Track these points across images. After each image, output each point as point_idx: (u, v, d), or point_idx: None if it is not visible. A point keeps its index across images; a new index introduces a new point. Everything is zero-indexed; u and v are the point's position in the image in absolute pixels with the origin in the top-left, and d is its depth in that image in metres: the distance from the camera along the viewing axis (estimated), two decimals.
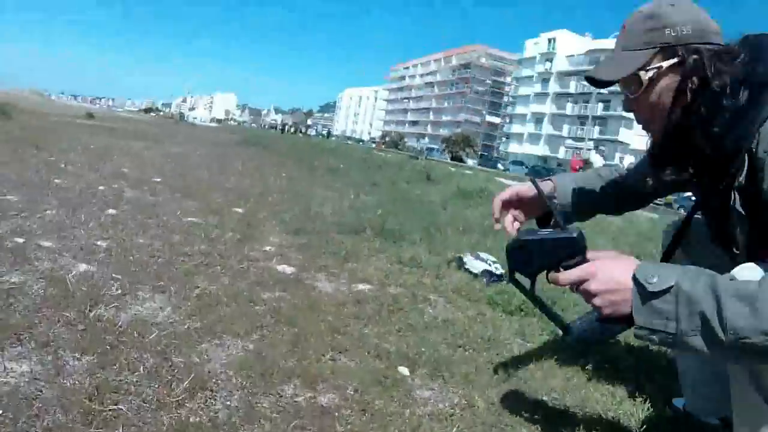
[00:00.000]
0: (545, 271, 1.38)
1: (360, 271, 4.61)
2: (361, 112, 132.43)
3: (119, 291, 3.46)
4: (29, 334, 2.68)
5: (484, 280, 5.05)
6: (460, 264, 5.44)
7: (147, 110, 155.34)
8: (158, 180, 10.80)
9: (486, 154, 78.08)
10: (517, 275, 1.46)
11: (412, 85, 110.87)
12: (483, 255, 5.60)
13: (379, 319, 3.45)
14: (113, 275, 3.82)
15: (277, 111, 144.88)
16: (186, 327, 2.96)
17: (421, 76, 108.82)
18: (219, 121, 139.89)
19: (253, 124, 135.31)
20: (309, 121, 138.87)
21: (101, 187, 9.12)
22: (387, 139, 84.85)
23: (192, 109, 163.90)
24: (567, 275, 1.34)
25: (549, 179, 2.02)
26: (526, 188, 1.87)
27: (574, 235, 1.33)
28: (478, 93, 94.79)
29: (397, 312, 3.63)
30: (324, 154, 21.34)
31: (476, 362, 2.98)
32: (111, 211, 6.91)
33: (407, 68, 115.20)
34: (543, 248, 1.34)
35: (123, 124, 44.68)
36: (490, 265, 5.34)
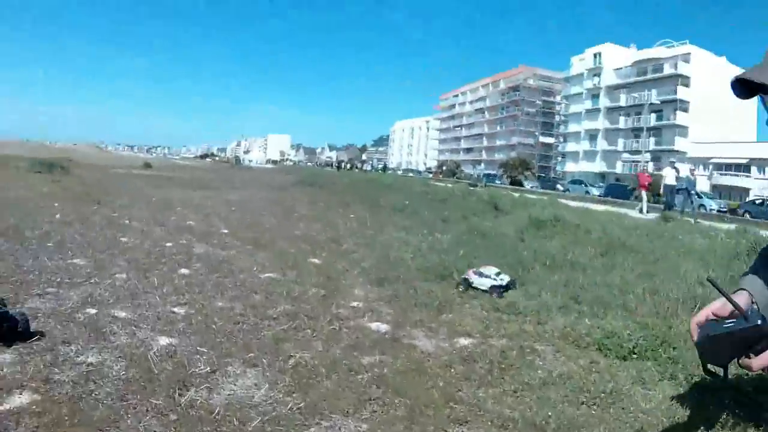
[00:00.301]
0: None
1: (457, 323, 4.41)
2: (415, 143, 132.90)
3: (207, 368, 3.25)
4: (116, 429, 2.44)
5: (494, 295, 5.30)
6: (467, 285, 5.60)
7: (203, 156, 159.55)
8: (225, 231, 10.89)
9: (543, 175, 76.73)
10: (710, 366, 1.47)
11: (463, 113, 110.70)
12: (485, 270, 5.73)
13: (492, 380, 3.23)
14: (198, 348, 3.68)
15: (331, 148, 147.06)
16: (288, 408, 2.74)
17: (471, 102, 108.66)
18: (274, 162, 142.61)
19: (308, 163, 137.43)
20: (363, 156, 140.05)
21: (169, 244, 9.23)
22: (444, 168, 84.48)
23: (247, 151, 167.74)
24: (759, 361, 1.33)
25: (742, 290, 1.79)
26: (720, 306, 1.69)
27: (759, 322, 1.35)
28: (529, 115, 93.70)
29: (508, 369, 3.40)
30: (385, 189, 21.28)
31: (606, 422, 2.75)
32: (183, 270, 6.87)
33: (456, 96, 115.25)
34: (732, 339, 1.38)
35: (180, 172, 46.02)
36: (495, 279, 5.54)
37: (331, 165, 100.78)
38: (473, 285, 5.54)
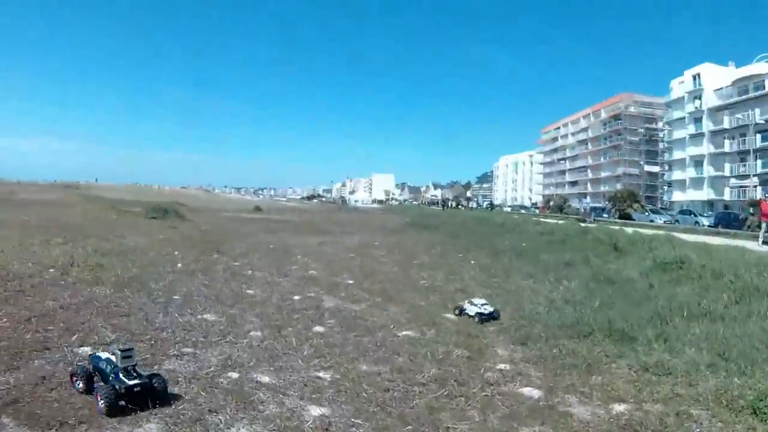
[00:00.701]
0: None
1: (609, 387, 4.25)
2: (519, 179, 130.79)
3: None
4: None
5: (477, 319, 6.84)
6: (461, 311, 7.14)
7: (310, 197, 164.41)
8: (350, 282, 10.93)
9: (651, 206, 73.04)
10: None
11: (566, 145, 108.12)
12: (476, 300, 7.38)
13: None
14: (353, 420, 3.63)
15: (435, 186, 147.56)
16: None
17: (573, 134, 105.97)
18: (380, 201, 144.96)
19: (414, 202, 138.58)
20: (468, 193, 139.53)
21: (296, 297, 9.37)
22: (551, 203, 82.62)
23: (352, 192, 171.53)
24: None
25: None
26: None
27: None
28: (632, 143, 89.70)
29: None
30: (497, 229, 20.98)
31: None
32: (318, 328, 6.95)
33: (558, 128, 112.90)
34: None
35: (290, 215, 47.79)
36: (480, 307, 7.13)
37: (437, 203, 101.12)
38: (465, 311, 7.13)
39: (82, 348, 5.95)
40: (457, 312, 7.25)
